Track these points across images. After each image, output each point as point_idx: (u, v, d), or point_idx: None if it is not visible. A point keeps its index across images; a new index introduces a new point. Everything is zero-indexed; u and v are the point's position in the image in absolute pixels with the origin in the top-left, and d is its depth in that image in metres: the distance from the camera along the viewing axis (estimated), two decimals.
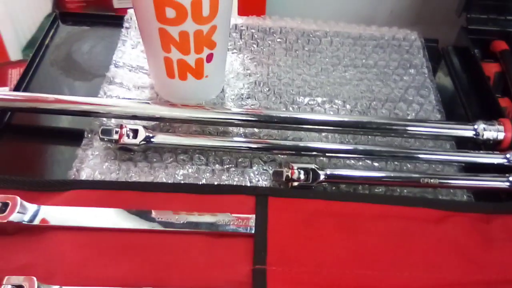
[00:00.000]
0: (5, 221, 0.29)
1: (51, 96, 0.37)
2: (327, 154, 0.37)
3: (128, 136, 0.35)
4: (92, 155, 0.36)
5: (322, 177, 0.34)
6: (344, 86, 0.44)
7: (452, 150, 0.40)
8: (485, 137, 0.38)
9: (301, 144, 0.38)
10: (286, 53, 0.47)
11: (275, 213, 0.32)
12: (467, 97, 0.46)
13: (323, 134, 0.40)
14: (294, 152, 0.37)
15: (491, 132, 0.38)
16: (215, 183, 0.35)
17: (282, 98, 0.43)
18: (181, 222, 0.31)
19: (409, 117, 0.42)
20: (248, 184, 0.36)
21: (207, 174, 0.36)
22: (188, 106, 0.38)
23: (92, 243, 0.30)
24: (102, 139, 0.36)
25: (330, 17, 0.50)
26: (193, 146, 0.37)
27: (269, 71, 0.45)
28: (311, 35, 0.48)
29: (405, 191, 0.36)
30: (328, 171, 0.35)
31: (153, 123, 0.39)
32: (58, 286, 0.28)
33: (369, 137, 0.40)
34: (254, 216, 0.32)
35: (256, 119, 0.38)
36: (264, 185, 0.36)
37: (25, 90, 0.42)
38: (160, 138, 0.36)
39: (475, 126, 0.38)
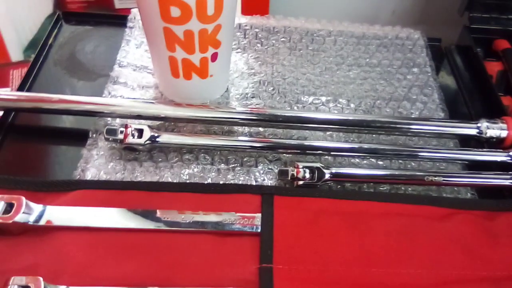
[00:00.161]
0: (11, 221, 0.29)
1: (55, 96, 0.37)
2: (332, 153, 0.38)
3: (133, 136, 0.35)
4: (97, 155, 0.36)
5: (327, 176, 0.34)
6: (348, 85, 0.44)
7: (456, 148, 0.40)
8: (488, 135, 0.38)
9: (306, 143, 0.38)
10: (290, 53, 0.47)
11: (281, 211, 0.32)
12: (470, 96, 0.46)
13: (328, 133, 0.40)
14: (299, 151, 0.37)
15: (494, 130, 0.38)
16: (221, 182, 0.35)
17: (287, 97, 0.43)
18: (187, 221, 0.31)
19: (412, 116, 0.42)
20: (254, 183, 0.36)
21: (213, 173, 0.36)
22: (193, 105, 0.38)
23: (98, 243, 0.30)
24: (107, 139, 0.36)
25: (334, 16, 0.50)
26: (198, 145, 0.37)
27: (273, 71, 0.45)
28: (315, 35, 0.49)
29: (409, 189, 0.36)
30: (333, 170, 0.35)
31: (158, 122, 0.39)
32: (65, 286, 0.28)
33: (374, 135, 0.40)
34: (260, 215, 0.32)
35: (261, 118, 0.38)
36: (269, 184, 0.36)
37: (28, 90, 0.42)
38: (165, 138, 0.36)
39: (478, 124, 0.38)
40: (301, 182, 0.34)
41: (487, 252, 0.31)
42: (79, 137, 0.38)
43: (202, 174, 0.36)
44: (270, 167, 0.37)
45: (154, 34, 0.35)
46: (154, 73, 0.43)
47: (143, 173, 0.35)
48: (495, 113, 0.41)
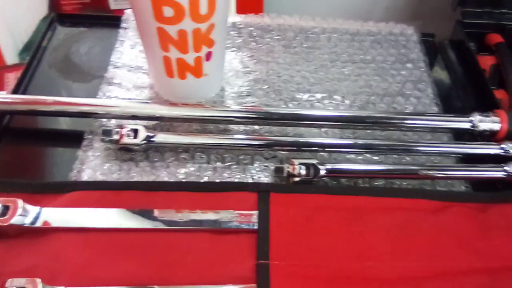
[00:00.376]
0: (7, 224, 0.29)
1: (50, 98, 0.37)
2: (327, 149, 0.38)
3: (128, 136, 0.35)
4: (93, 156, 0.36)
5: (323, 172, 0.35)
6: (342, 81, 0.45)
7: (449, 142, 0.40)
8: (481, 128, 0.38)
9: (302, 140, 0.38)
10: (284, 50, 0.47)
11: (277, 208, 0.32)
12: (464, 90, 0.46)
13: (323, 129, 0.40)
14: (294, 148, 0.37)
15: (487, 123, 0.38)
16: (217, 180, 0.36)
17: (282, 95, 0.43)
18: (184, 220, 0.31)
19: (407, 111, 0.43)
20: (250, 181, 0.36)
21: (209, 172, 0.36)
22: (188, 105, 0.38)
23: (95, 243, 0.30)
24: (102, 140, 0.36)
25: (328, 13, 0.51)
26: (194, 144, 0.37)
27: (268, 69, 0.45)
28: (309, 32, 0.49)
29: (404, 183, 0.37)
30: (329, 166, 0.35)
31: (153, 122, 0.39)
32: (63, 287, 0.28)
33: (368, 131, 0.40)
34: (256, 212, 0.32)
35: (256, 116, 0.38)
36: (266, 182, 0.36)
37: (23, 93, 0.42)
38: (161, 138, 0.36)
39: (471, 118, 0.39)
40: (297, 179, 0.35)
41: (481, 244, 0.32)
42: (74, 139, 0.38)
43: (198, 173, 0.36)
44: (266, 164, 0.37)
45: (148, 34, 0.35)
46: (149, 73, 0.43)
47: (139, 173, 0.35)
48: (488, 106, 0.41)
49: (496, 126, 0.38)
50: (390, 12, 0.63)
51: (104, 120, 0.39)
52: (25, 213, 0.30)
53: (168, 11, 0.33)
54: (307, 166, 0.35)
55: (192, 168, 0.36)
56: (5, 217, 0.29)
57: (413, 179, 0.37)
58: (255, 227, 0.31)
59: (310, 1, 0.61)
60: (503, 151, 0.37)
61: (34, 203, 0.31)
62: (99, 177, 0.35)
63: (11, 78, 0.49)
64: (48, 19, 0.49)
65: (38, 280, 0.27)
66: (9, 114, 0.40)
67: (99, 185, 0.34)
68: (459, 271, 0.30)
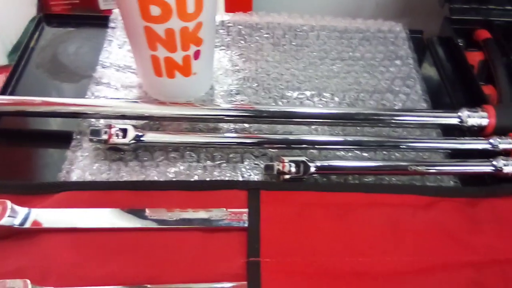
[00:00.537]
0: None
1: (38, 99, 0.37)
2: (317, 147, 0.38)
3: (117, 136, 0.35)
4: (82, 157, 0.36)
5: (312, 169, 0.35)
6: (332, 79, 0.45)
7: (438, 138, 0.40)
8: (469, 123, 0.39)
9: (291, 137, 0.38)
10: (273, 48, 0.47)
11: (268, 206, 0.32)
12: (452, 86, 0.47)
13: (313, 127, 0.40)
14: (284, 146, 0.38)
15: (475, 118, 0.38)
16: (207, 179, 0.35)
17: (271, 93, 0.43)
18: (174, 219, 0.31)
19: (396, 107, 0.43)
20: (240, 179, 0.36)
21: (199, 170, 0.36)
22: (177, 103, 0.38)
23: (85, 243, 0.30)
24: (91, 140, 0.35)
25: (317, 11, 0.51)
26: (184, 143, 0.37)
27: (257, 67, 0.45)
28: (298, 30, 0.49)
29: (393, 179, 0.37)
30: (319, 163, 0.35)
31: (142, 122, 0.39)
32: None
33: (358, 128, 0.41)
34: (247, 210, 0.32)
35: (246, 114, 0.38)
36: (256, 179, 0.36)
37: (11, 94, 0.42)
38: (150, 137, 0.36)
39: (460, 114, 0.39)
40: (287, 176, 0.35)
41: (470, 238, 0.32)
42: (63, 139, 0.37)
43: (188, 171, 0.36)
44: (256, 162, 0.37)
45: (135, 33, 0.35)
46: (137, 73, 0.43)
47: (128, 173, 0.35)
48: (477, 102, 0.41)
49: (484, 121, 0.39)
50: (380, 8, 0.63)
51: (93, 120, 0.39)
52: (14, 214, 0.30)
53: (155, 10, 0.33)
54: (297, 163, 0.35)
55: (182, 167, 0.36)
56: None
57: (402, 175, 0.37)
58: (246, 225, 0.31)
59: None
60: (491, 146, 0.38)
61: (23, 204, 0.31)
62: (88, 177, 0.35)
63: (0, 80, 0.49)
64: (35, 19, 0.48)
65: (28, 281, 0.27)
66: None
67: (88, 185, 0.34)
68: (448, 265, 0.31)
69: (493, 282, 0.30)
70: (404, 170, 0.36)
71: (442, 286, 0.30)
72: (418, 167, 0.36)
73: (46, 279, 0.28)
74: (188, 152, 0.37)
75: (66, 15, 0.51)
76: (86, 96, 0.41)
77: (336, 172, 0.37)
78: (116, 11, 0.48)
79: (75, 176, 0.35)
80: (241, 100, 0.42)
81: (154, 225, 0.31)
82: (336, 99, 0.43)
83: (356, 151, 0.39)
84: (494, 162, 0.36)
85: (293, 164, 0.35)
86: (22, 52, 0.45)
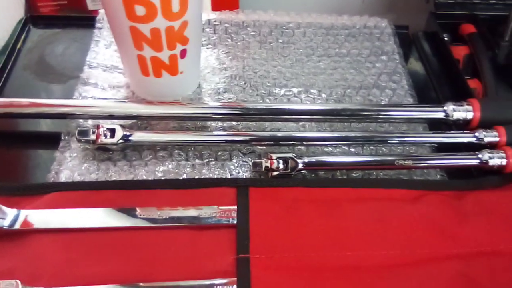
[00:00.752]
0: None
1: (25, 100, 0.37)
2: (305, 143, 0.38)
3: (105, 136, 0.35)
4: (71, 157, 0.36)
5: (300, 165, 0.35)
6: (318, 75, 0.45)
7: (424, 132, 0.41)
8: (454, 117, 0.39)
9: (279, 134, 0.38)
10: (260, 46, 0.47)
11: (256, 202, 0.33)
12: (438, 80, 0.47)
13: (300, 123, 0.41)
14: (272, 143, 0.38)
15: (460, 112, 0.39)
16: (196, 177, 0.36)
17: (259, 90, 0.43)
18: (164, 217, 0.31)
19: (382, 103, 0.43)
20: (229, 177, 0.36)
21: (188, 169, 0.36)
22: (165, 102, 0.38)
23: (75, 243, 0.30)
24: (79, 140, 0.36)
25: (303, 8, 0.51)
26: (172, 142, 0.37)
27: (244, 65, 0.45)
28: (284, 27, 0.49)
29: (381, 173, 0.37)
30: (306, 159, 0.35)
31: (130, 121, 0.39)
32: None
33: (345, 124, 0.41)
34: (236, 207, 0.32)
35: (234, 112, 0.38)
36: (244, 177, 0.36)
37: None
38: (138, 136, 0.36)
39: (445, 108, 0.39)
40: (275, 173, 0.35)
41: (457, 230, 0.32)
42: (51, 140, 0.37)
43: (177, 170, 0.36)
44: (244, 159, 0.37)
45: (121, 33, 0.35)
46: (125, 73, 0.43)
47: (117, 173, 0.35)
48: (462, 96, 0.42)
49: (469, 115, 0.39)
50: (365, 5, 0.63)
51: (81, 120, 0.39)
52: (3, 215, 0.30)
53: (140, 10, 0.33)
54: (285, 160, 0.35)
55: (170, 166, 0.36)
56: None
57: (389, 170, 0.37)
58: (235, 222, 0.32)
59: None
60: (476, 139, 0.38)
61: (12, 205, 0.31)
62: (77, 177, 0.35)
63: None
64: (22, 21, 0.48)
65: (18, 282, 0.27)
66: None
67: (77, 185, 0.34)
68: (436, 258, 0.31)
69: (480, 274, 0.30)
70: (391, 165, 0.36)
71: (430, 278, 0.30)
72: (405, 162, 0.36)
73: (37, 279, 0.28)
74: (176, 151, 0.37)
75: (53, 16, 0.50)
76: (74, 97, 0.41)
77: (324, 168, 0.37)
78: (102, 11, 0.48)
79: (64, 177, 0.35)
80: (229, 98, 0.42)
81: (144, 224, 0.31)
82: (323, 95, 0.43)
83: (344, 147, 0.39)
84: (479, 155, 0.37)
85: (281, 161, 0.35)
86: (8, 54, 0.45)
